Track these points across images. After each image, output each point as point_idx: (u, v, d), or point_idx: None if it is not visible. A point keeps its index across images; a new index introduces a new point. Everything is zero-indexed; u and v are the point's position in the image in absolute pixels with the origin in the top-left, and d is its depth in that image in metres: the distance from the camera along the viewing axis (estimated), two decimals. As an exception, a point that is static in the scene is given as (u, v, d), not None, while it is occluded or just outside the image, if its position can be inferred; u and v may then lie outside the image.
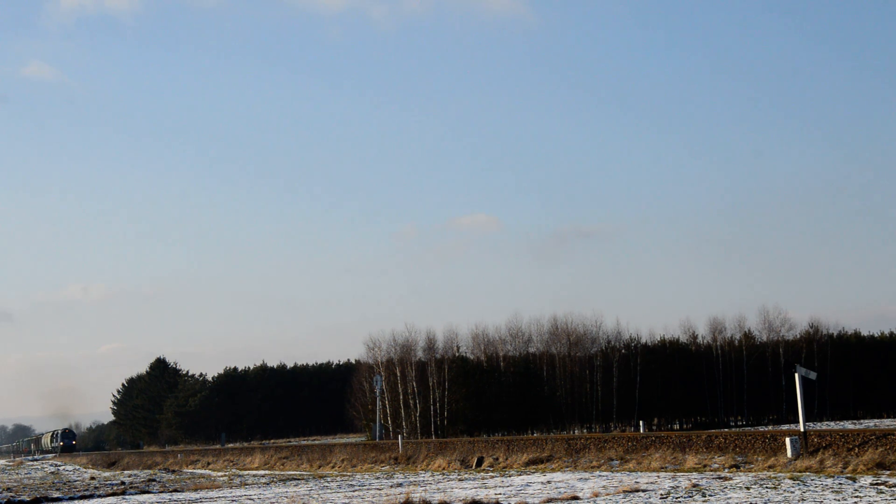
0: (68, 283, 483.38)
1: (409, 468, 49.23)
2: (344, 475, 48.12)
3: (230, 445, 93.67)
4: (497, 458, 46.03)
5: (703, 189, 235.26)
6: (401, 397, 79.05)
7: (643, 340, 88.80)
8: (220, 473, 59.89)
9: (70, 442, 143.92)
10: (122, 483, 53.18)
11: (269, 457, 65.62)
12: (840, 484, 26.64)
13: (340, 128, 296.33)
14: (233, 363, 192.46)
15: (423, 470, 47.29)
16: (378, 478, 43.10)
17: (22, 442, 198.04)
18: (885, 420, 75.09)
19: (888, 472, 29.54)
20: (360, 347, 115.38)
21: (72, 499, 42.34)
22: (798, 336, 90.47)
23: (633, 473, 35.39)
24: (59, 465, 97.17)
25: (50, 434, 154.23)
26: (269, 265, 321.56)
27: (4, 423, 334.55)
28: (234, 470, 63.25)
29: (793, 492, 25.23)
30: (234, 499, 35.21)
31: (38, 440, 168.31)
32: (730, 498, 24.60)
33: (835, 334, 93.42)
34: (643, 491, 27.82)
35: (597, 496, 27.44)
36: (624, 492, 27.93)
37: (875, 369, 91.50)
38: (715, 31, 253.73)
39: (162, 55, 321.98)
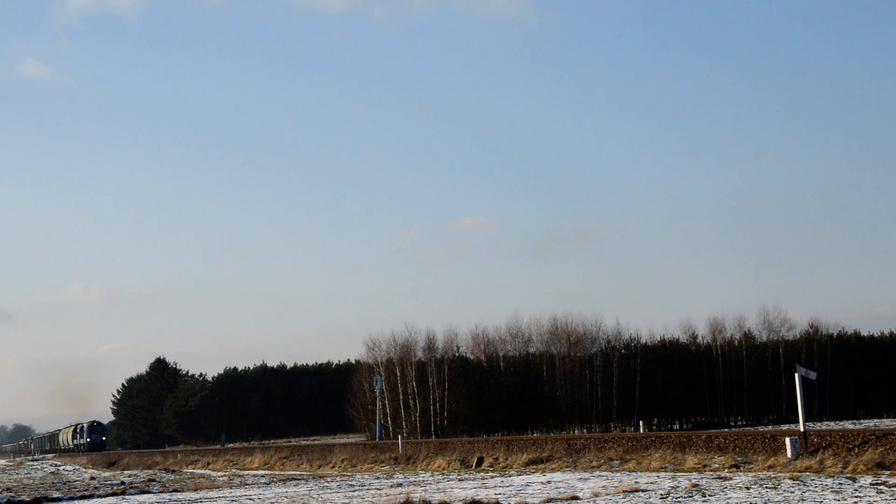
0: (68, 283, 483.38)
1: (409, 468, 49.22)
2: (344, 475, 48.11)
3: (230, 445, 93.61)
4: (497, 458, 46.03)
5: (703, 189, 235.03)
6: (401, 397, 79.06)
7: (643, 340, 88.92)
8: (220, 473, 59.88)
9: (100, 438, 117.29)
10: (122, 483, 53.17)
11: (269, 457, 65.62)
12: (840, 484, 26.64)
13: (342, 127, 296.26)
14: (233, 363, 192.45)
15: (423, 470, 47.28)
16: (378, 478, 43.10)
17: (30, 441, 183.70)
18: (885, 420, 75.03)
19: (888, 472, 29.53)
20: (360, 347, 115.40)
21: (72, 499, 42.34)
22: (798, 336, 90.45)
23: (633, 473, 35.39)
24: (59, 465, 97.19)
25: (71, 429, 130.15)
26: (269, 265, 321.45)
27: (4, 423, 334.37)
28: (233, 470, 63.25)
29: (793, 492, 25.23)
30: (234, 499, 35.21)
31: (53, 437, 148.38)
32: (730, 498, 24.60)
33: (835, 334, 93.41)
34: (643, 491, 27.83)
35: (597, 496, 27.45)
36: (624, 492, 27.93)
37: (875, 369, 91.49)
38: (715, 31, 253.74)
39: (164, 54, 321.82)
